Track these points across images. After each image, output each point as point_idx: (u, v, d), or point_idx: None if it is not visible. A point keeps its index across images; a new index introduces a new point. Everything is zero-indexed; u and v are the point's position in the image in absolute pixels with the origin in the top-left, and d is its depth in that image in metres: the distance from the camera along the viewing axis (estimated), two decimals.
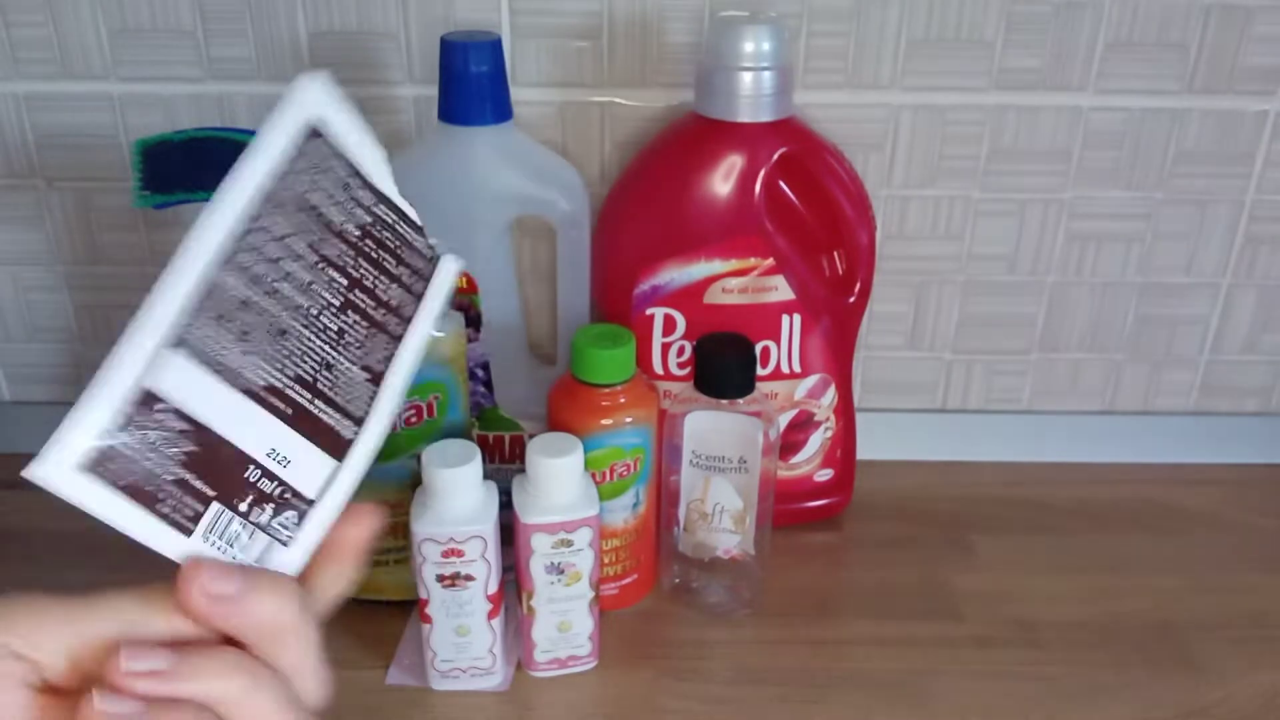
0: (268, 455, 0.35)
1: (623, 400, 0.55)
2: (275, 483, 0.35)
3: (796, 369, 0.62)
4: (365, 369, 0.37)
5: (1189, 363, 0.74)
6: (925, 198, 0.68)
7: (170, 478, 0.33)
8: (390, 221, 0.39)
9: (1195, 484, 0.71)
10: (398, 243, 0.39)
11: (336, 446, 0.36)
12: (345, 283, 0.37)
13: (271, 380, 0.35)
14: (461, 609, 0.51)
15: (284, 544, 0.35)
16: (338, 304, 0.36)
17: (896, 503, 0.68)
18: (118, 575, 0.65)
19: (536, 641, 0.54)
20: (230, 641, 0.32)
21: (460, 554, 0.49)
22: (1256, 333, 0.73)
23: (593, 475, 0.53)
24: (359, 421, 0.37)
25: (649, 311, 0.61)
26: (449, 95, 0.56)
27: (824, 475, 0.66)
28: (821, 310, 0.61)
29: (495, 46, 0.56)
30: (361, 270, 0.37)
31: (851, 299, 0.62)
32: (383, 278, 0.38)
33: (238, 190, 0.34)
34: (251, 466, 0.34)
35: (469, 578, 0.50)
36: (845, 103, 0.65)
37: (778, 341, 0.61)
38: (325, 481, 0.36)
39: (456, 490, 0.49)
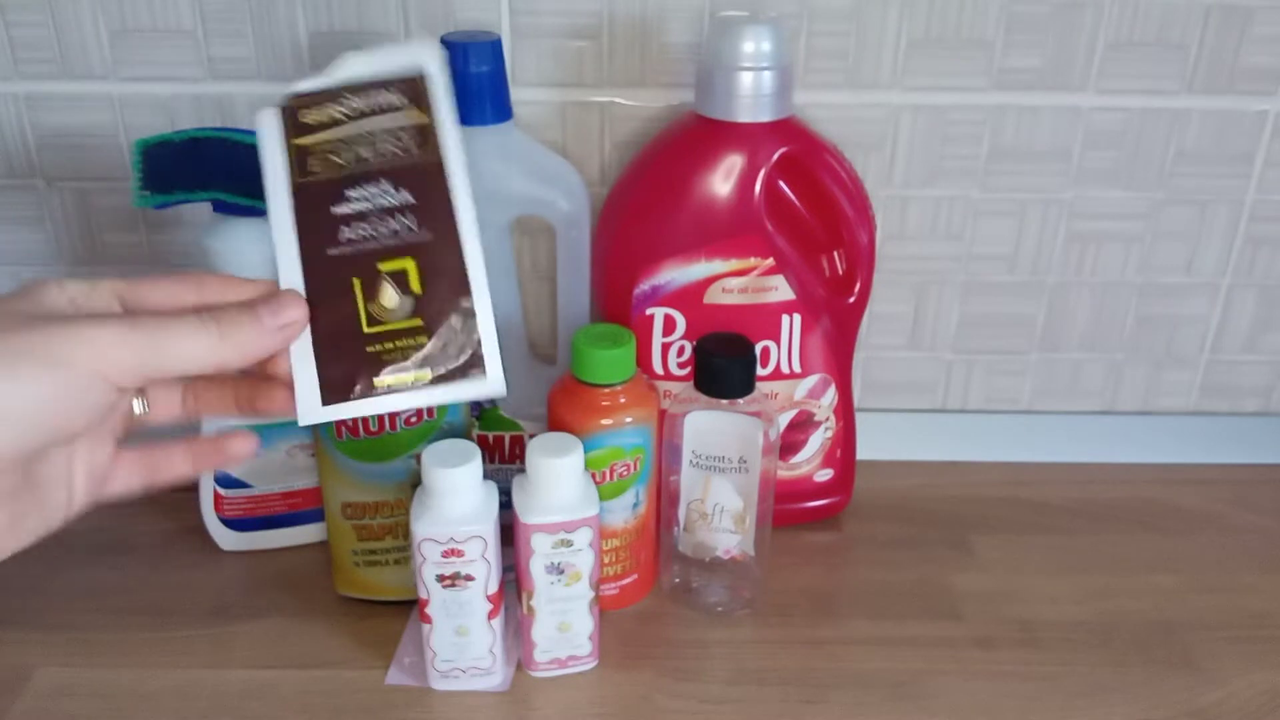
0: None
1: (623, 400, 0.55)
2: None
3: (796, 369, 0.62)
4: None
5: (1189, 363, 0.74)
6: (925, 198, 0.68)
7: None
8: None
9: (1195, 484, 0.70)
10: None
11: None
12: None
13: None
14: (461, 609, 0.51)
15: None
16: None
17: (896, 503, 0.68)
18: (116, 573, 0.65)
19: (536, 641, 0.54)
20: None
21: (460, 554, 0.49)
22: (1256, 333, 0.73)
23: (593, 475, 0.53)
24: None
25: (649, 311, 0.61)
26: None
27: (824, 475, 0.66)
28: (821, 310, 0.61)
29: (495, 46, 0.56)
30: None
31: (851, 299, 0.62)
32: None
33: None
34: None
35: (469, 578, 0.50)
36: (845, 103, 0.65)
37: (778, 341, 0.61)
38: None
39: (456, 490, 0.49)
